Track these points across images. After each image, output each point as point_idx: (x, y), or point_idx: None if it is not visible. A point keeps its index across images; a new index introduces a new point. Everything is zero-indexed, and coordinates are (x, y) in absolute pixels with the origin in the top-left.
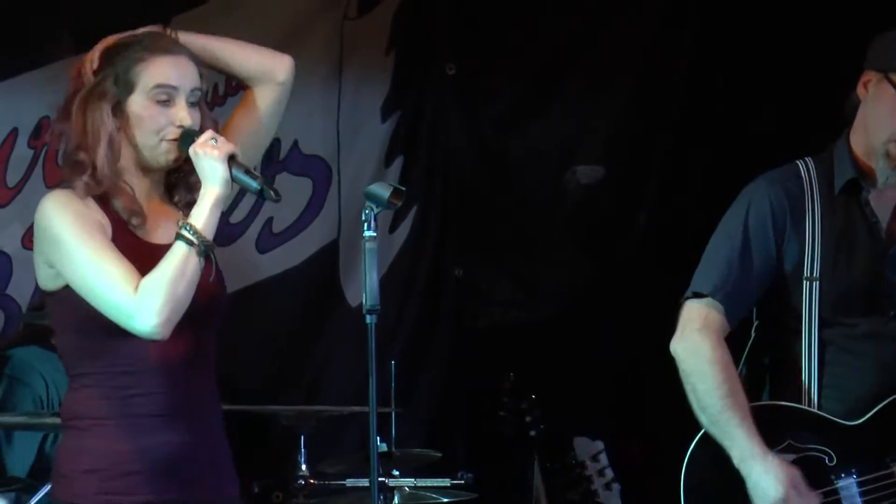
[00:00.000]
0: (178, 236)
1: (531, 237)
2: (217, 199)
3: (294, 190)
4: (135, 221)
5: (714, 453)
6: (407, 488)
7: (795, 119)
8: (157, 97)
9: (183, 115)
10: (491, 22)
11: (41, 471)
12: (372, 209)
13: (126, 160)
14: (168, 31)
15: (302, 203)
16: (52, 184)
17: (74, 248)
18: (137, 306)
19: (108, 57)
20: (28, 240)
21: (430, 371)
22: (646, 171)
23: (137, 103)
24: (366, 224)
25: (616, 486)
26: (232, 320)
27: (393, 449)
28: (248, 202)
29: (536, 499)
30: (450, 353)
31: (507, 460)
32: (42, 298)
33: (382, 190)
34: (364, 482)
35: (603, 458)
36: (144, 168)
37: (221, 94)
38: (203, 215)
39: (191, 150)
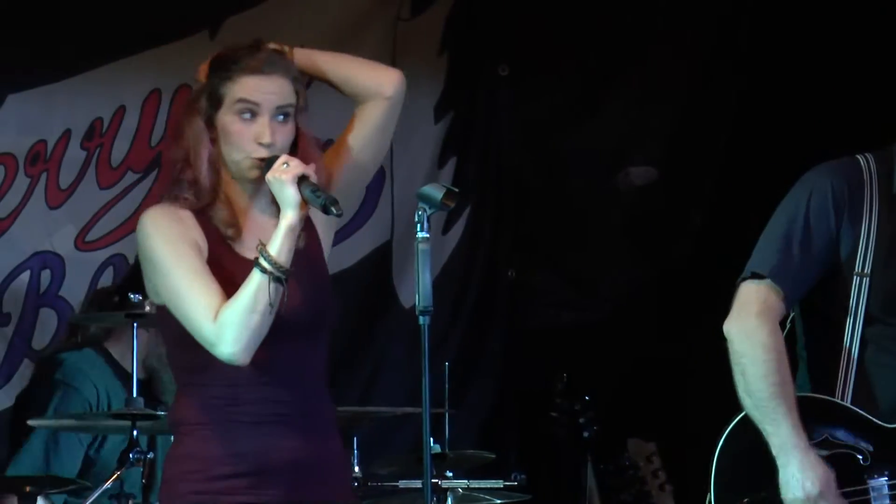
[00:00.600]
0: (255, 263)
1: (585, 238)
2: (290, 225)
3: None
4: (230, 233)
5: (750, 439)
6: (460, 489)
7: (853, 117)
8: (241, 112)
9: (263, 130)
10: (544, 22)
11: (86, 476)
12: (425, 210)
13: (223, 173)
14: (267, 48)
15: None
16: (106, 185)
17: (166, 270)
18: (217, 336)
19: (208, 72)
20: (81, 241)
21: (483, 372)
22: (700, 171)
23: (224, 118)
24: (419, 225)
25: (669, 488)
26: None
27: (446, 450)
28: None
29: (590, 500)
30: (503, 354)
31: (560, 461)
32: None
33: (435, 191)
34: (417, 483)
35: (656, 460)
36: (239, 181)
37: None
38: (278, 242)
39: (267, 178)
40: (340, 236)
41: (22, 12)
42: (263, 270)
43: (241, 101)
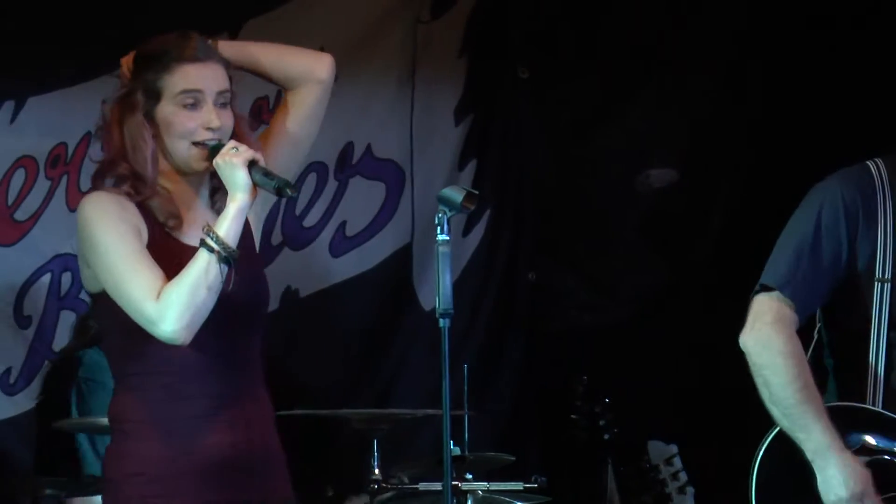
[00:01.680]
0: (202, 243)
1: (605, 240)
2: (239, 207)
3: (367, 193)
4: (171, 223)
5: (787, 451)
6: (480, 492)
7: (875, 121)
8: (184, 102)
9: (210, 117)
10: (564, 25)
11: None
12: (445, 213)
13: (163, 166)
14: (196, 36)
15: (375, 207)
16: None
17: (105, 252)
18: (159, 313)
19: (136, 67)
20: None
21: (503, 374)
22: (720, 174)
23: (166, 110)
24: (439, 227)
25: (690, 490)
26: (305, 324)
27: (466, 452)
28: (321, 205)
29: (610, 502)
30: (523, 356)
31: (580, 464)
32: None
33: (455, 193)
34: (437, 486)
35: (677, 462)
36: (181, 172)
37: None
38: (226, 222)
39: (214, 162)
40: (360, 239)
41: (42, 14)
42: (211, 250)
43: (184, 91)
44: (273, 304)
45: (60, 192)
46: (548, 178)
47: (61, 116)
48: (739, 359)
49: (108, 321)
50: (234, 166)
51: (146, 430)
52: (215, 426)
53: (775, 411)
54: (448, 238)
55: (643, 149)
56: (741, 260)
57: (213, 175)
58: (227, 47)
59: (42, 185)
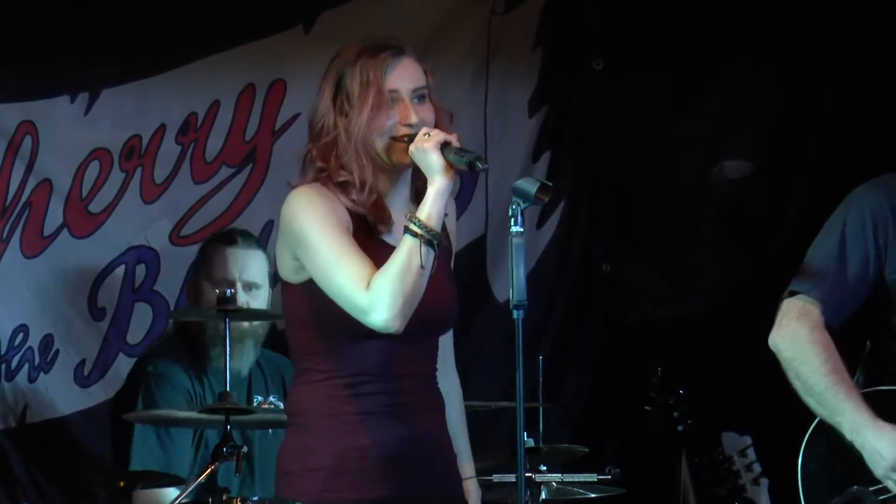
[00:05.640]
0: (406, 230)
1: (680, 232)
2: (438, 190)
3: None
4: (381, 229)
5: (829, 440)
6: (554, 483)
7: None
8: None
9: (407, 112)
10: (639, 16)
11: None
12: (519, 204)
13: (372, 168)
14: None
15: None
16: (200, 180)
17: (317, 244)
18: (371, 302)
19: (337, 72)
20: (176, 236)
21: (578, 366)
22: (796, 166)
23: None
24: (513, 219)
25: (764, 481)
26: None
27: (540, 444)
28: None
29: (684, 494)
30: (598, 348)
31: (654, 456)
32: (280, 289)
33: (530, 185)
34: (511, 478)
35: (751, 453)
36: (385, 171)
37: None
38: (427, 206)
39: (410, 151)
40: None
41: (117, 7)
42: (414, 235)
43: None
44: None
45: (135, 185)
46: (622, 170)
47: (136, 108)
48: None
49: (303, 313)
50: (426, 151)
51: (326, 425)
52: (393, 423)
53: (811, 402)
54: (522, 230)
55: (718, 140)
56: None
57: (416, 176)
58: None
59: (116, 177)
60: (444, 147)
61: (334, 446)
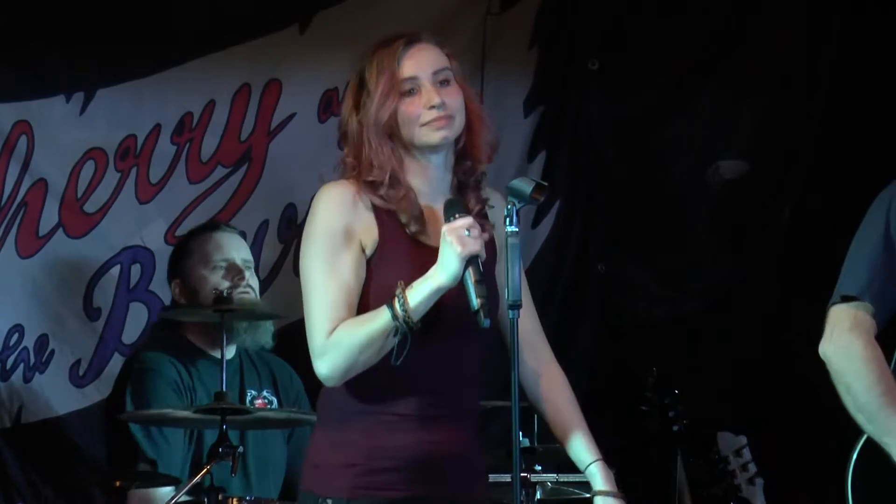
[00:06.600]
0: (389, 304)
1: (675, 232)
2: (439, 288)
3: None
4: (413, 228)
5: (879, 457)
6: (549, 483)
7: None
8: (402, 91)
9: (430, 96)
10: (634, 16)
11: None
12: (514, 204)
13: (406, 161)
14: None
15: None
16: (196, 180)
17: (309, 259)
18: (323, 351)
19: (358, 72)
20: (171, 236)
21: (572, 366)
22: (790, 165)
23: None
24: (508, 219)
25: (759, 481)
26: None
27: (535, 444)
28: None
29: (679, 494)
30: (593, 348)
31: (650, 455)
32: None
33: (525, 185)
34: (506, 477)
35: (746, 453)
36: (417, 164)
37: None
38: (420, 296)
39: (443, 228)
40: None
41: (112, 7)
42: (395, 317)
43: (399, 82)
44: None
45: (130, 185)
46: (617, 170)
47: (131, 108)
48: (809, 350)
49: None
50: (454, 252)
51: (366, 423)
52: (428, 425)
53: (860, 418)
54: (517, 229)
55: (714, 140)
56: (812, 253)
57: (458, 168)
58: None
59: (112, 176)
60: (470, 262)
61: (369, 444)
